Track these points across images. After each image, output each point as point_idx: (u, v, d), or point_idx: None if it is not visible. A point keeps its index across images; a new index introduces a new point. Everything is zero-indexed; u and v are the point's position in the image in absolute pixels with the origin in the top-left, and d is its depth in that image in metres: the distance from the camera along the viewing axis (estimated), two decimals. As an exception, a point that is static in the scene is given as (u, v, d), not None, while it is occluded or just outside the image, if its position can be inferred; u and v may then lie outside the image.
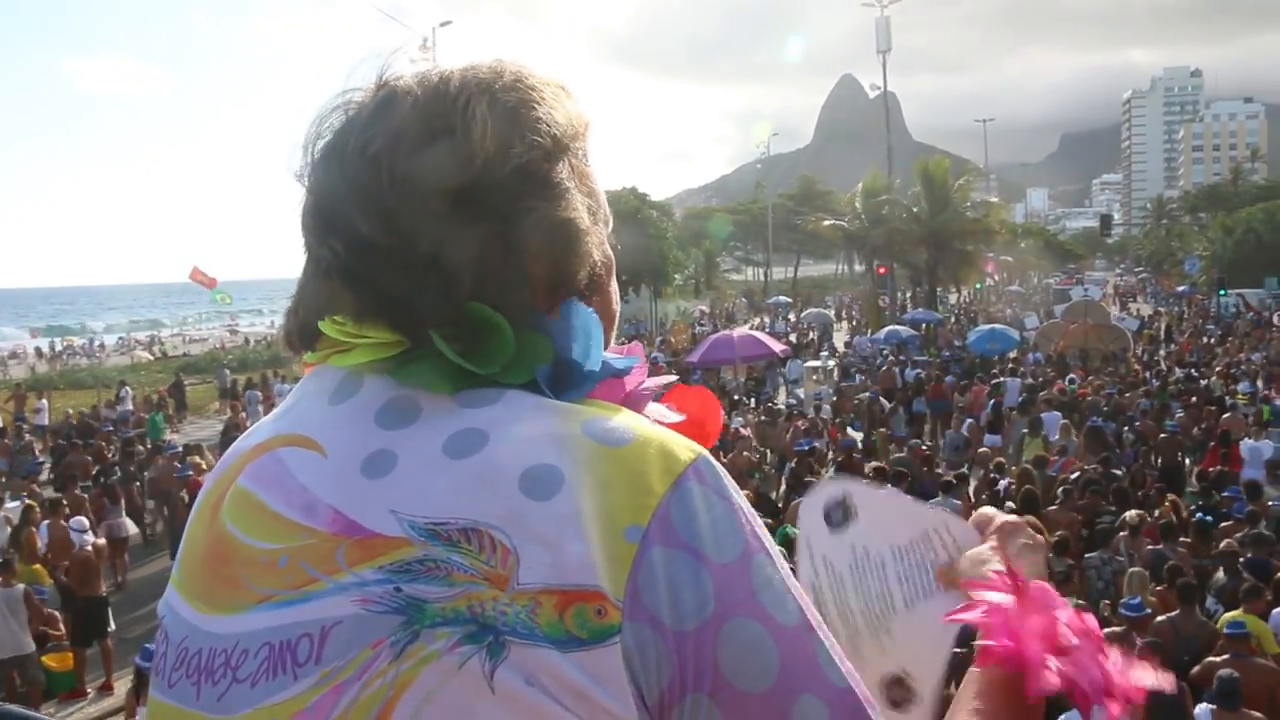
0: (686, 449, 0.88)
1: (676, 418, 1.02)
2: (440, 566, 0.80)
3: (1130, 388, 21.12)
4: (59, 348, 55.91)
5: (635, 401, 0.99)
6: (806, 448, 14.87)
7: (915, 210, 45.24)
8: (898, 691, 1.19)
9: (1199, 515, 10.73)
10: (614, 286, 1.05)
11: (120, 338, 64.36)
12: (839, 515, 1.24)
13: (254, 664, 0.84)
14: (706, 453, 0.89)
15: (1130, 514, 10.34)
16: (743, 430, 16.96)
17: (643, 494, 0.83)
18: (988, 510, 1.23)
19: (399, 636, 0.79)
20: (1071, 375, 23.02)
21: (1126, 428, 17.24)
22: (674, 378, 1.14)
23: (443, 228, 0.89)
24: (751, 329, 31.90)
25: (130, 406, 26.38)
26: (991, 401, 19.20)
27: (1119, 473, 13.63)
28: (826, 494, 1.27)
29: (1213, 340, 33.26)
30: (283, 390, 22.76)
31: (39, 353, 52.47)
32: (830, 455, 16.40)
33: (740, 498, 0.89)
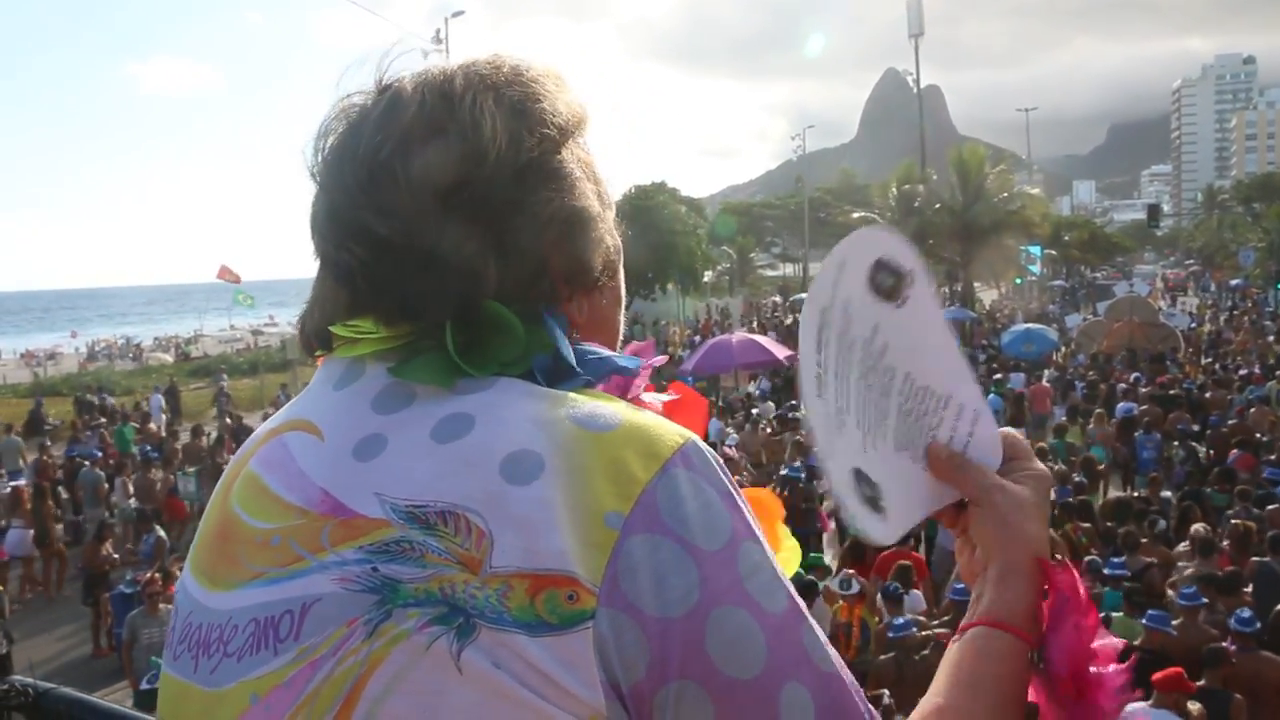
0: (675, 434, 0.88)
1: (666, 397, 1.05)
2: (415, 548, 0.82)
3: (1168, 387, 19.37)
4: (97, 348, 56.19)
5: (633, 398, 1.00)
6: (797, 474, 13.12)
7: (949, 201, 43.25)
8: (868, 490, 1.04)
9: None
10: (621, 270, 1.07)
11: (156, 339, 64.36)
12: (887, 283, 1.04)
13: (242, 639, 0.87)
14: (695, 437, 0.89)
15: (1197, 527, 9.96)
16: (730, 452, 14.97)
17: (626, 481, 0.83)
18: (1023, 441, 1.13)
19: (372, 615, 0.81)
20: (1137, 374, 21.35)
21: (1178, 442, 15.56)
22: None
23: (461, 227, 0.91)
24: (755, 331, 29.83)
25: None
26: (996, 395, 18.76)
27: (1168, 494, 12.69)
28: (894, 247, 1.04)
29: (1272, 338, 31.01)
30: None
31: (87, 354, 52.81)
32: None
33: (730, 483, 0.88)
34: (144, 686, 8.66)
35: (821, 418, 1.02)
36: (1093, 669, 1.00)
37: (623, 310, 1.09)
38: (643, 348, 1.06)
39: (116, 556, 12.71)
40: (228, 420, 22.25)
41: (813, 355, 1.01)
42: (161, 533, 12.81)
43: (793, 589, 0.88)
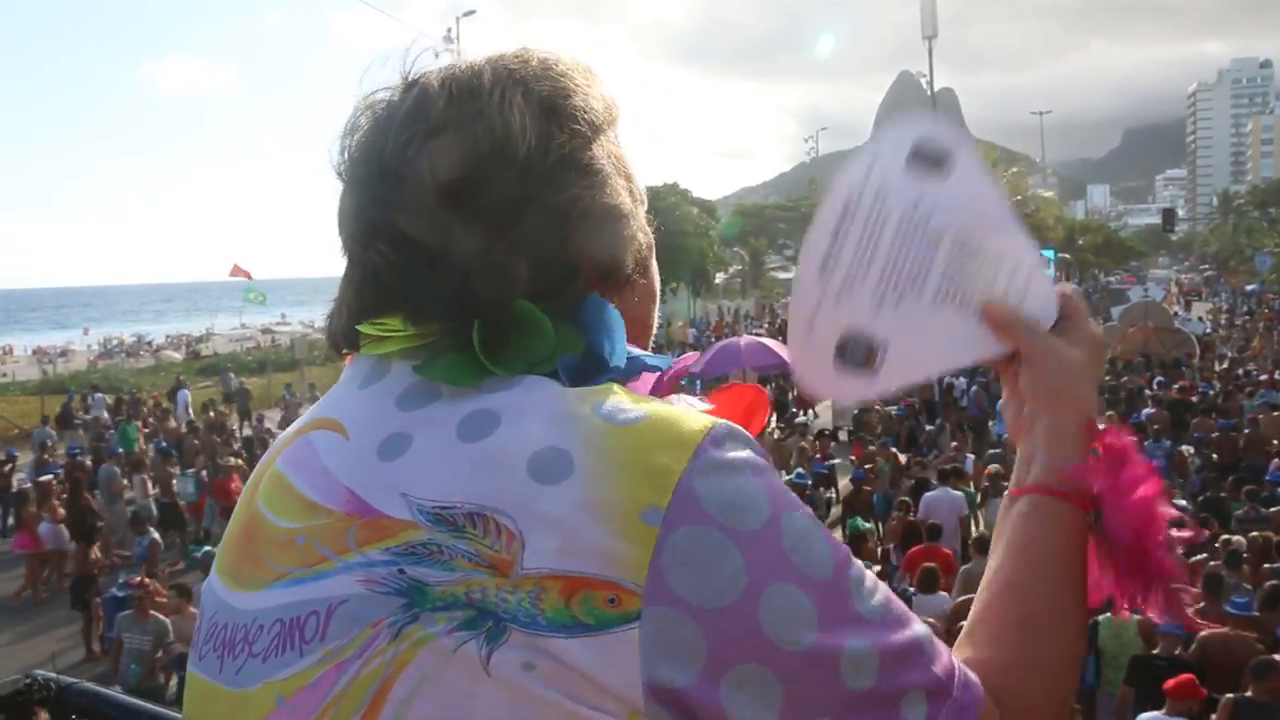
0: (700, 420, 0.85)
1: (706, 407, 0.96)
2: (443, 551, 0.80)
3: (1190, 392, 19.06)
4: (110, 345, 56.62)
5: (662, 395, 0.97)
6: (803, 480, 12.94)
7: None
8: (859, 353, 1.06)
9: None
10: (654, 266, 1.06)
11: (168, 336, 64.60)
12: (929, 159, 1.06)
13: (267, 639, 0.86)
14: (720, 420, 0.86)
15: (1236, 539, 9.78)
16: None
17: (659, 474, 0.81)
18: (1081, 301, 1.11)
19: (398, 618, 0.80)
20: (1161, 379, 21.04)
21: (1193, 449, 15.32)
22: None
23: (491, 225, 0.89)
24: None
25: (103, 413, 24.93)
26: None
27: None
28: (934, 128, 1.07)
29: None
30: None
31: (99, 351, 53.33)
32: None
33: (762, 455, 0.86)
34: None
35: (815, 292, 1.03)
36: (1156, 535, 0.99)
37: (656, 307, 1.06)
38: (686, 358, 1.02)
39: (118, 556, 12.52)
40: (210, 415, 22.05)
41: (825, 241, 1.03)
42: (156, 535, 12.59)
43: (836, 544, 0.85)
